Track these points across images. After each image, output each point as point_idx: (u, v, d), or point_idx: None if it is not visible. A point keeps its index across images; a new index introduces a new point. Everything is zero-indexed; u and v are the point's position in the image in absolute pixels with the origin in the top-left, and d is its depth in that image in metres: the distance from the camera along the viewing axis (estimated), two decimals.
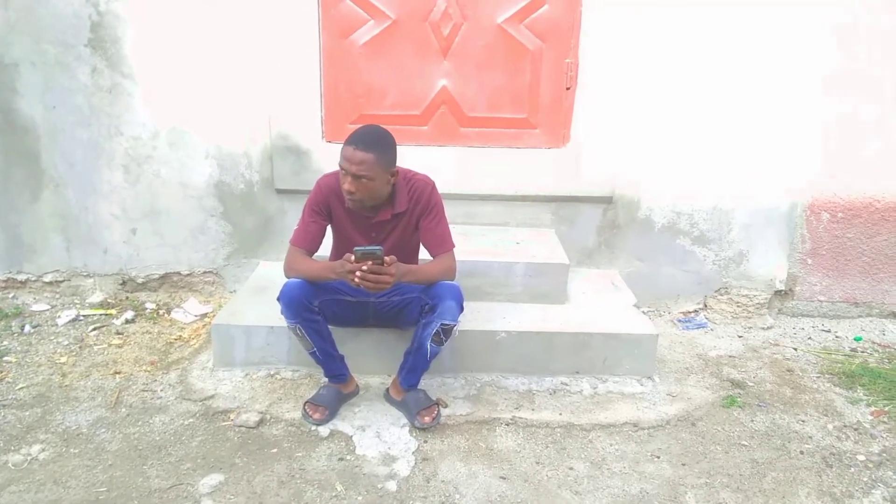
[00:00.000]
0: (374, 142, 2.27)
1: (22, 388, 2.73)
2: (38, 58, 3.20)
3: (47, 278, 3.52)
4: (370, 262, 2.18)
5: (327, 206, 2.46)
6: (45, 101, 3.26)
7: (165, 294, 3.58)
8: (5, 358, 2.96)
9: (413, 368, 2.52)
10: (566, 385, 2.82)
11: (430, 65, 3.35)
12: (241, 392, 2.70)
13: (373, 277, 2.19)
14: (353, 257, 2.20)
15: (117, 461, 2.30)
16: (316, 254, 2.51)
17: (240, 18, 3.17)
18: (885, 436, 2.57)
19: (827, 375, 3.02)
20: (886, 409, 2.74)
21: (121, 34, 3.20)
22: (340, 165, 2.29)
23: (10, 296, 3.52)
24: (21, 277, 3.52)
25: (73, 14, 3.16)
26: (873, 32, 3.20)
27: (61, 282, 3.53)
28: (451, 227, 2.53)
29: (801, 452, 2.46)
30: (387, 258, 2.22)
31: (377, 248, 2.20)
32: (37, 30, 3.17)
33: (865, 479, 2.31)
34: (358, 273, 2.18)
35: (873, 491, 2.25)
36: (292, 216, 3.43)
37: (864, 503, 2.20)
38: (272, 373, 2.83)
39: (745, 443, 2.50)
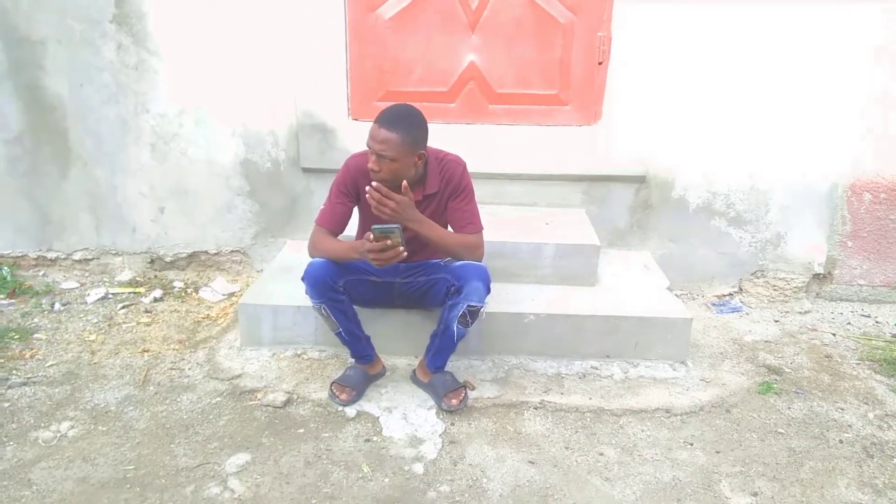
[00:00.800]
0: (400, 121, 2.21)
1: (52, 365, 2.76)
2: (65, 35, 3.19)
3: (77, 256, 3.54)
4: (388, 242, 2.14)
5: (355, 187, 2.41)
6: (71, 78, 3.25)
7: (193, 273, 3.58)
8: (36, 335, 2.99)
9: (440, 350, 2.49)
10: (596, 369, 2.76)
11: (457, 39, 3.27)
12: (268, 371, 2.69)
13: (380, 254, 2.17)
14: (371, 236, 2.16)
15: (145, 439, 2.30)
16: (342, 234, 2.47)
17: None
18: None
19: (867, 362, 2.92)
20: None
21: (146, 10, 3.17)
22: (367, 142, 2.24)
23: (41, 273, 3.55)
24: (51, 255, 3.54)
25: None
26: None
27: (90, 260, 3.55)
28: (479, 206, 2.47)
29: (841, 441, 2.38)
30: (400, 195, 2.19)
31: (395, 226, 2.15)
32: (62, 6, 3.15)
33: None
34: (371, 254, 2.15)
35: None
36: (319, 195, 3.40)
37: None
38: (299, 353, 2.81)
39: (782, 430, 2.43)
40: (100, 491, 2.06)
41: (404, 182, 2.19)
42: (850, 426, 2.46)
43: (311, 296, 2.34)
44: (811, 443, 2.37)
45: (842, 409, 2.57)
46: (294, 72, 3.22)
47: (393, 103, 2.32)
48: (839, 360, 2.93)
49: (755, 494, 2.11)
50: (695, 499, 2.09)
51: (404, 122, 2.23)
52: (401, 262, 2.22)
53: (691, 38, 3.12)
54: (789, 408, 2.57)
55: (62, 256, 3.54)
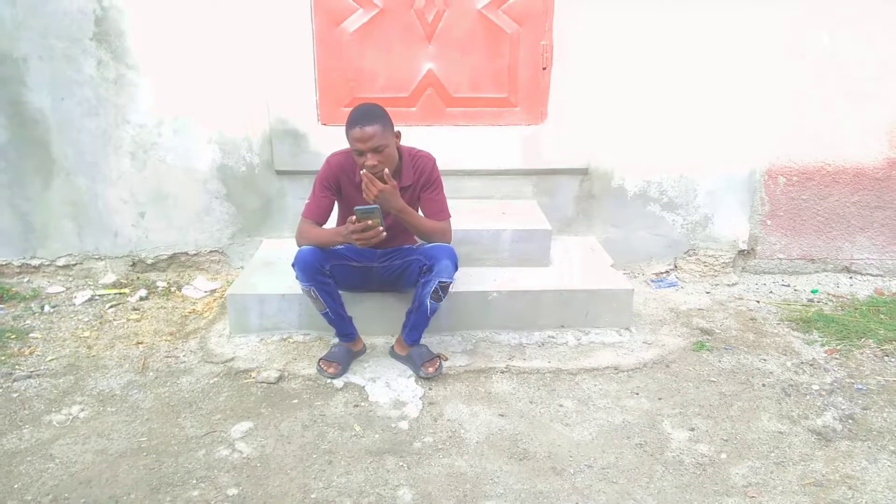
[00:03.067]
0: (371, 114, 2.54)
1: (52, 359, 2.95)
2: (46, 52, 3.39)
3: (60, 262, 3.71)
4: (369, 222, 2.44)
5: (337, 182, 2.71)
6: (53, 93, 3.45)
7: (174, 273, 3.79)
8: (31, 335, 3.17)
9: (415, 325, 2.79)
10: (553, 338, 3.11)
11: (416, 49, 3.60)
12: (258, 354, 2.95)
13: (364, 234, 2.47)
14: (354, 218, 2.46)
15: (153, 416, 2.54)
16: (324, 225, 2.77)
17: (237, 9, 3.38)
18: (836, 369, 2.90)
19: (786, 322, 3.36)
20: (838, 347, 3.08)
21: (124, 27, 3.40)
22: (356, 149, 2.53)
23: (26, 280, 3.71)
24: (35, 262, 3.71)
25: (78, 9, 3.34)
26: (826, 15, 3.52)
27: (74, 265, 3.73)
28: None
29: (763, 385, 2.78)
30: (387, 184, 2.50)
31: (375, 206, 2.46)
32: (44, 25, 3.35)
33: (819, 404, 2.64)
34: (354, 234, 2.45)
35: (825, 413, 2.58)
36: (292, 196, 3.67)
37: (817, 423, 2.52)
38: (285, 337, 3.07)
39: (714, 379, 2.82)
40: (119, 459, 2.29)
41: (385, 170, 2.49)
42: (771, 373, 2.88)
43: (301, 279, 2.62)
44: (738, 388, 2.77)
45: (764, 360, 2.98)
46: (266, 82, 3.50)
47: (353, 108, 2.62)
48: (762, 322, 3.36)
49: (692, 429, 2.49)
50: (641, 436, 2.45)
51: (373, 113, 2.55)
52: (379, 242, 2.52)
53: (625, 45, 3.53)
54: (720, 361, 2.97)
55: (46, 263, 3.71)
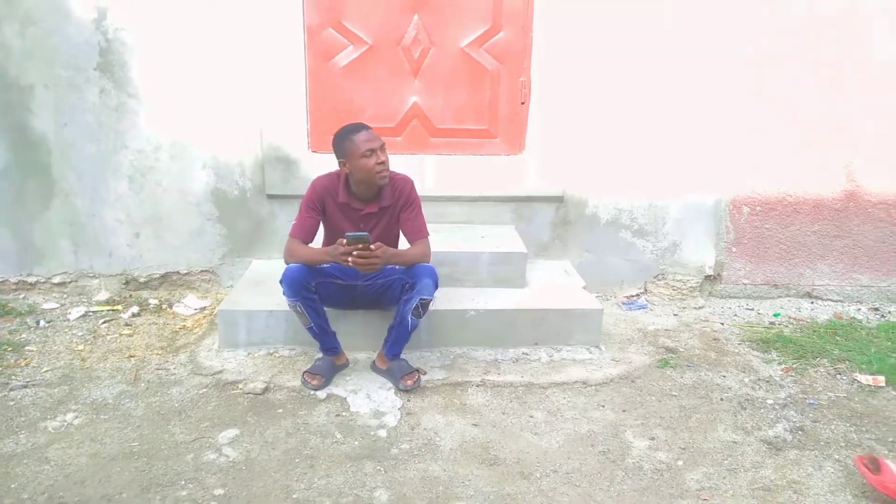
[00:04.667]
0: (365, 125, 2.86)
1: (47, 370, 3.08)
2: (52, 80, 3.58)
3: (56, 280, 3.86)
4: (360, 246, 2.63)
5: (322, 202, 2.91)
6: (57, 119, 3.63)
7: (165, 291, 3.95)
8: (27, 348, 3.30)
9: (396, 340, 2.96)
10: (527, 354, 3.28)
11: (402, 84, 3.83)
12: (245, 367, 3.10)
13: (364, 261, 2.65)
14: (344, 241, 2.64)
15: (144, 423, 2.67)
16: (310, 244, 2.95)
17: (235, 43, 3.61)
18: (790, 385, 3.09)
19: (747, 342, 3.55)
20: (794, 365, 3.27)
21: (127, 58, 3.61)
22: (368, 148, 2.76)
23: (21, 296, 3.85)
24: (31, 280, 3.85)
25: (84, 41, 3.55)
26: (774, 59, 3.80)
27: (69, 283, 3.88)
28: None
29: (721, 399, 2.96)
30: (374, 245, 2.67)
31: (364, 233, 2.65)
32: (51, 55, 3.55)
33: (772, 417, 2.82)
34: (353, 254, 2.63)
35: (777, 425, 2.76)
36: (282, 219, 3.86)
37: (769, 433, 2.70)
38: (271, 351, 3.23)
39: (675, 394, 3.00)
40: (111, 462, 2.42)
41: (376, 244, 2.70)
42: (729, 388, 3.06)
43: (288, 295, 2.79)
44: (698, 401, 2.94)
45: (724, 376, 3.16)
46: (260, 111, 3.71)
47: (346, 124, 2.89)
48: (724, 342, 3.55)
49: (652, 439, 2.65)
50: (605, 444, 2.61)
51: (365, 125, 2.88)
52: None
53: (598, 81, 3.77)
54: (682, 377, 3.15)
55: (42, 280, 3.86)
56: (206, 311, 3.73)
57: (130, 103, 3.66)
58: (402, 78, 3.82)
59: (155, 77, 3.64)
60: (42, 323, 3.57)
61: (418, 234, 2.95)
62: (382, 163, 2.79)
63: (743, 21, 3.73)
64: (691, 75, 3.79)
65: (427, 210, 3.32)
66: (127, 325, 3.58)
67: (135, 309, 3.72)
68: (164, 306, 3.81)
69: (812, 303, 4.14)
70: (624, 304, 4.00)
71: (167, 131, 3.71)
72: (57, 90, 3.60)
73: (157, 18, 3.56)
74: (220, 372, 3.06)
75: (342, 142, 2.81)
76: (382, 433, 2.64)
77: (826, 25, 3.77)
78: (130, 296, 3.91)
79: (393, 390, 2.94)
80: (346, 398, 2.88)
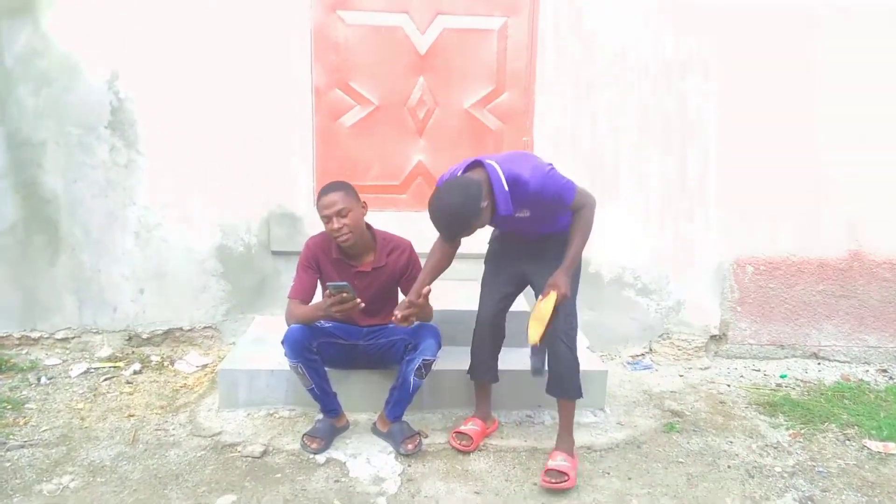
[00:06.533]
0: (335, 185, 2.86)
1: (45, 430, 3.05)
2: (63, 138, 3.65)
3: (59, 335, 3.86)
4: (343, 294, 2.65)
5: (316, 261, 2.94)
6: (66, 175, 3.69)
7: (168, 348, 3.93)
8: (26, 405, 3.28)
9: (398, 401, 2.93)
10: (530, 417, 3.24)
11: (407, 143, 3.89)
12: (245, 428, 3.06)
13: (341, 306, 2.66)
14: (328, 292, 2.67)
15: (140, 487, 2.63)
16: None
17: (245, 101, 3.69)
18: (799, 452, 3.03)
19: (754, 406, 3.49)
20: (802, 431, 3.21)
21: (137, 117, 3.68)
22: (324, 216, 2.79)
23: (24, 352, 3.84)
24: (34, 335, 3.85)
25: (96, 101, 3.64)
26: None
27: (72, 338, 3.87)
28: None
29: (729, 467, 2.90)
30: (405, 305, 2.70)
31: (344, 283, 2.66)
32: (62, 114, 3.63)
33: (780, 486, 2.76)
34: (333, 307, 2.66)
35: (786, 494, 2.70)
36: (286, 274, 3.87)
37: None
38: (272, 412, 3.19)
39: (682, 460, 2.94)
40: None
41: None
42: (736, 455, 3.00)
43: (290, 356, 2.78)
44: (705, 469, 2.88)
45: (731, 442, 3.11)
46: (267, 170, 3.76)
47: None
48: (731, 405, 3.50)
49: None
50: None
51: (336, 183, 2.87)
52: (359, 313, 2.75)
53: (599, 141, 3.82)
54: (688, 442, 3.09)
55: (45, 336, 3.85)
56: (207, 369, 3.71)
57: (139, 160, 3.72)
58: (407, 137, 3.88)
59: (163, 135, 3.70)
60: (43, 380, 3.55)
61: None
62: (337, 230, 2.79)
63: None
64: (699, 128, 3.83)
65: None
66: (128, 382, 3.56)
67: (136, 366, 3.71)
68: (165, 363, 3.79)
69: (819, 363, 4.09)
70: (628, 363, 3.96)
71: (175, 189, 3.76)
72: (68, 148, 3.67)
73: (167, 79, 3.65)
74: (219, 433, 3.02)
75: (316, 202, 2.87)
76: (382, 501, 2.58)
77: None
78: (133, 352, 3.89)
79: (394, 454, 2.89)
80: (345, 462, 2.83)
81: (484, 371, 3.03)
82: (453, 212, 2.50)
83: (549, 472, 2.69)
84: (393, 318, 2.66)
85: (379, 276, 2.96)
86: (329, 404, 2.96)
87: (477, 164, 2.63)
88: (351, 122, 3.84)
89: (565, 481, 2.64)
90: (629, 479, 2.79)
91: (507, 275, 2.96)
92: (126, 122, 3.68)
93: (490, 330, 2.97)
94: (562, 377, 2.80)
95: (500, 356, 3.10)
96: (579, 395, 2.83)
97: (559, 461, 2.74)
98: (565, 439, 2.84)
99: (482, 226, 2.62)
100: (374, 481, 2.71)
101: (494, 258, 3.04)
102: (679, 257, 3.98)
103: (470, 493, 2.65)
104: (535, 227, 2.80)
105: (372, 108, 3.83)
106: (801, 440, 3.13)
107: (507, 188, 2.53)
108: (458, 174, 2.62)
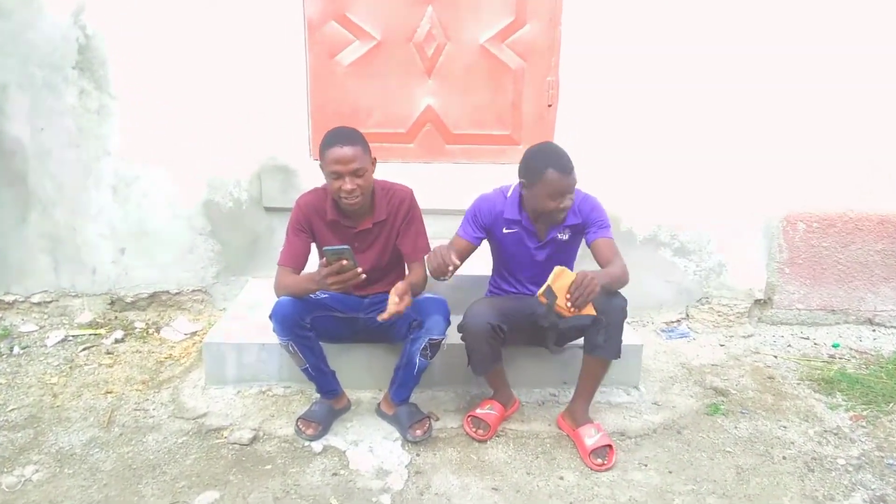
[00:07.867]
0: (353, 136, 2.38)
1: (13, 409, 2.73)
2: (26, 80, 3.23)
3: (35, 299, 3.52)
4: (343, 263, 2.22)
5: (308, 223, 2.52)
6: (32, 123, 3.28)
7: (154, 313, 3.59)
8: None
9: (403, 383, 2.57)
10: (555, 396, 2.87)
11: (415, 84, 3.42)
12: (233, 409, 2.72)
13: (338, 277, 2.23)
14: (325, 260, 2.24)
15: (112, 481, 2.31)
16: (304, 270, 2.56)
17: (229, 38, 3.23)
18: (863, 440, 2.65)
19: (807, 382, 3.10)
20: (864, 413, 2.82)
21: (108, 56, 3.24)
22: (334, 172, 2.34)
23: None
24: (9, 299, 3.51)
25: (61, 37, 3.20)
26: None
27: (49, 302, 3.53)
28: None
29: (784, 458, 2.53)
30: (398, 287, 2.33)
31: (345, 247, 2.23)
32: (24, 52, 3.20)
33: (846, 483, 2.39)
34: (329, 278, 2.22)
35: (853, 494, 2.33)
36: (280, 233, 3.40)
37: None
38: (264, 389, 2.85)
39: (730, 449, 2.57)
40: None
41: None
42: (792, 443, 2.62)
43: (279, 333, 2.41)
44: (757, 460, 2.51)
45: (784, 427, 2.73)
46: (257, 115, 3.33)
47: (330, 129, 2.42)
48: (781, 381, 3.11)
49: None
50: None
51: (354, 135, 2.39)
52: (359, 285, 2.30)
53: (635, 83, 3.33)
54: (736, 427, 2.72)
55: (20, 299, 3.52)
56: (196, 337, 3.37)
57: (112, 105, 3.29)
58: (414, 78, 3.41)
59: (139, 76, 3.27)
60: (16, 349, 3.23)
61: (417, 254, 2.55)
62: (349, 191, 2.36)
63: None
64: (752, 74, 3.33)
65: (441, 225, 2.93)
66: (108, 353, 3.22)
67: (118, 334, 3.37)
68: (150, 330, 3.45)
69: (874, 331, 3.68)
70: (663, 331, 3.56)
71: (153, 136, 3.34)
72: (32, 91, 3.25)
73: (141, 11, 3.19)
74: (204, 415, 2.69)
75: (321, 149, 2.40)
76: (385, 500, 2.24)
77: None
78: (115, 317, 3.55)
79: (400, 441, 2.55)
80: (345, 452, 2.49)
81: (488, 364, 2.58)
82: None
83: (594, 452, 2.42)
84: (379, 317, 2.31)
85: (381, 231, 2.56)
86: (326, 385, 2.61)
87: None
88: (349, 59, 3.36)
89: (609, 455, 2.44)
90: (670, 472, 2.43)
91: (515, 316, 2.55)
92: (96, 61, 3.24)
93: (490, 330, 2.47)
94: (611, 332, 2.45)
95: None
96: (619, 354, 2.49)
97: (596, 437, 2.46)
98: (586, 410, 2.57)
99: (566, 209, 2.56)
100: (377, 474, 2.37)
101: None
102: (723, 214, 3.52)
103: (487, 490, 2.30)
104: (554, 260, 2.58)
105: (373, 44, 3.35)
106: (865, 424, 2.75)
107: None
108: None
